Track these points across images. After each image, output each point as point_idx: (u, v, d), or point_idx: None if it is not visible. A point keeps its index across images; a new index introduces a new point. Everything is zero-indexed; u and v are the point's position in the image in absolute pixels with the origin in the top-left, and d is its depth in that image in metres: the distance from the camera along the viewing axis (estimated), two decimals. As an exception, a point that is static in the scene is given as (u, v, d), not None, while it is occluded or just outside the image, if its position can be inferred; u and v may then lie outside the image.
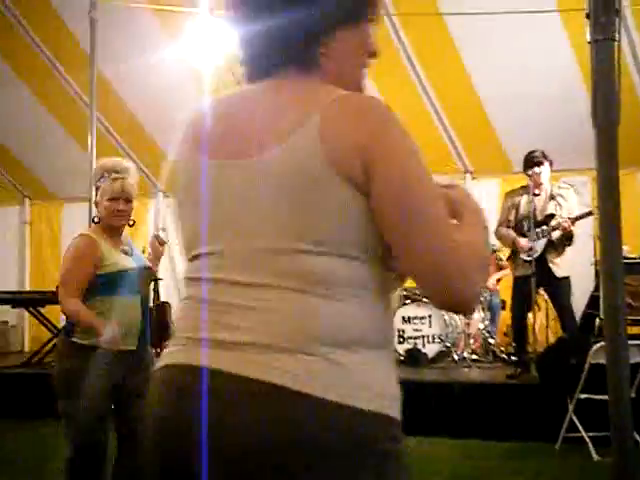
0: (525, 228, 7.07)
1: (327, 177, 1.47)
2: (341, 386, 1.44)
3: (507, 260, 7.66)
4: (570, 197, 7.11)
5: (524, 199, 7.11)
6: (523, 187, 7.18)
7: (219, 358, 1.48)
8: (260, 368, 1.44)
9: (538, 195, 7.05)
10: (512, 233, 7.14)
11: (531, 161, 7.01)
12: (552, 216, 6.98)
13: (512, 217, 7.18)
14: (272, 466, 1.42)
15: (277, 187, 1.50)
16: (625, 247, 4.96)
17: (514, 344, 7.56)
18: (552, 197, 7.06)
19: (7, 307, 9.66)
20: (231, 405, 1.44)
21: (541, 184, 7.06)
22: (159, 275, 10.17)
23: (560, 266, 7.01)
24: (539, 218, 7.03)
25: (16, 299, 9.55)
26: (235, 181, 1.56)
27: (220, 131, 1.63)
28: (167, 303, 10.29)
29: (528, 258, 6.97)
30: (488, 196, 9.41)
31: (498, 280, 8.99)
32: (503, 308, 8.88)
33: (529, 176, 7.02)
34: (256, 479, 1.43)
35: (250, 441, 1.42)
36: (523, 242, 7.04)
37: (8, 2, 8.72)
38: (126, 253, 3.90)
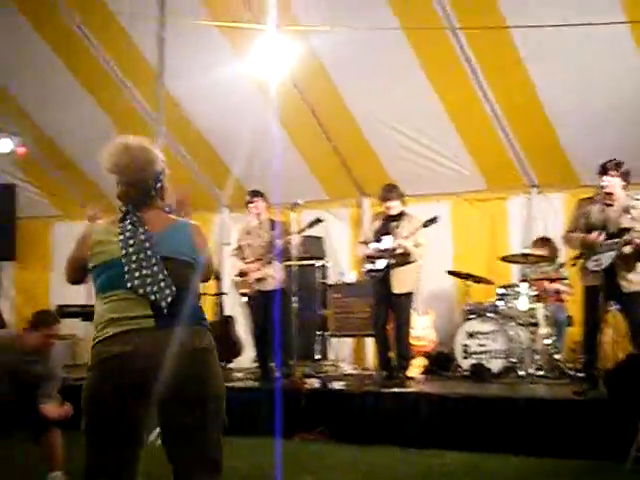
0: (595, 237, 6.89)
1: None
2: None
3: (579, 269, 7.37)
4: None
5: (595, 208, 6.95)
6: (595, 196, 7.02)
7: None
8: None
9: (610, 206, 6.88)
10: (580, 234, 6.96)
11: (601, 170, 6.86)
12: (627, 230, 6.77)
13: (582, 225, 7.01)
14: None
15: None
16: None
17: (582, 359, 7.41)
18: (626, 209, 6.86)
19: (76, 320, 9.83)
20: None
21: (611, 194, 6.87)
22: (223, 290, 10.28)
23: (631, 281, 6.83)
24: (611, 230, 6.84)
25: (84, 312, 9.70)
26: None
27: None
28: (230, 317, 10.40)
29: (595, 268, 6.81)
30: (554, 210, 9.30)
31: (557, 292, 8.78)
32: (569, 324, 8.73)
33: (600, 187, 6.86)
34: None
35: None
36: (593, 235, 6.83)
37: (79, 21, 8.92)
38: None
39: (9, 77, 9.77)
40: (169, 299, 3.20)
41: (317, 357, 9.61)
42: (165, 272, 3.24)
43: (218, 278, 9.89)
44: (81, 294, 11.23)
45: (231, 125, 9.56)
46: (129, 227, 3.31)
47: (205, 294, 9.59)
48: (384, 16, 7.98)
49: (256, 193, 8.53)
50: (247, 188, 9.01)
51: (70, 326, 10.16)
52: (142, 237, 3.28)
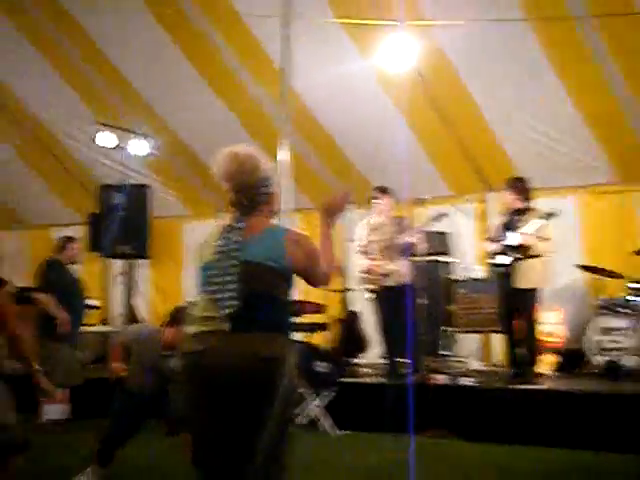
0: None
1: None
2: None
3: None
4: None
5: None
6: None
7: None
8: None
9: None
10: None
11: None
12: None
13: None
14: None
15: None
16: None
17: None
18: None
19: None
20: None
21: None
22: (349, 286, 10.34)
23: None
24: None
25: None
26: None
27: None
28: (356, 313, 10.45)
29: None
30: None
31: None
32: None
33: None
34: None
35: None
36: None
37: (203, 20, 9.11)
38: None
39: (144, 81, 10.09)
40: (233, 309, 3.34)
41: (443, 353, 9.55)
42: (239, 279, 3.37)
43: (343, 275, 9.96)
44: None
45: (355, 122, 9.61)
46: (227, 233, 3.50)
47: (331, 290, 9.69)
48: (510, 7, 7.86)
49: (381, 189, 8.55)
50: (371, 184, 9.03)
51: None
52: (233, 245, 3.44)
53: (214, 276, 3.42)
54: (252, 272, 3.38)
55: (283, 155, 7.64)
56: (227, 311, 3.34)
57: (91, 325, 10.44)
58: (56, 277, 8.30)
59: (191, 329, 3.47)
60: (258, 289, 3.38)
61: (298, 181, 8.80)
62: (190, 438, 3.45)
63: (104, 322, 11.91)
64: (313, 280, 3.57)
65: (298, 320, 9.60)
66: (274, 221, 3.65)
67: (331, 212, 3.71)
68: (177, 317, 5.71)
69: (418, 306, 8.18)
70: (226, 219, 3.59)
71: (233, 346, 3.32)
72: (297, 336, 9.80)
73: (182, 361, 3.50)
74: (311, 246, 3.53)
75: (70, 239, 8.69)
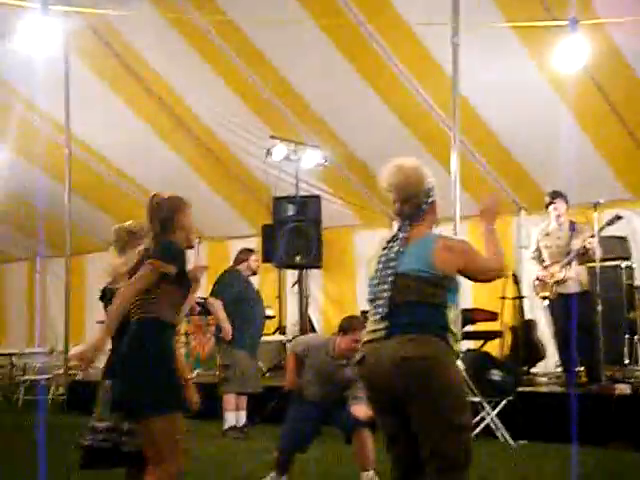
0: None
1: None
2: None
3: None
4: None
5: None
6: None
7: None
8: None
9: None
10: None
11: None
12: None
13: None
14: None
15: None
16: None
17: None
18: None
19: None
20: None
21: None
22: (523, 293, 10.14)
23: None
24: None
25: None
26: None
27: None
28: (532, 321, 10.22)
29: None
30: None
31: None
32: None
33: None
34: None
35: None
36: None
37: (372, 32, 9.18)
38: None
39: (314, 94, 10.28)
40: (385, 317, 3.60)
41: (626, 362, 9.18)
42: (391, 289, 3.62)
43: (517, 282, 9.78)
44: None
45: (526, 126, 9.42)
46: (391, 243, 3.75)
47: (504, 298, 9.52)
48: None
49: (557, 194, 8.32)
50: (543, 190, 8.82)
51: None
52: (392, 255, 3.69)
53: (376, 286, 3.70)
54: (403, 282, 3.62)
55: (454, 162, 7.60)
56: (381, 319, 3.62)
57: (266, 335, 10.69)
58: (236, 287, 8.57)
59: (363, 338, 3.79)
60: (408, 298, 3.60)
61: (467, 188, 8.72)
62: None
63: (279, 331, 12.18)
64: (477, 276, 3.76)
65: (472, 328, 9.49)
66: (434, 230, 3.82)
67: (487, 215, 3.88)
68: (348, 326, 5.77)
69: (597, 313, 7.92)
70: (394, 229, 3.84)
71: (385, 352, 3.56)
72: (470, 344, 9.71)
73: (356, 370, 3.87)
74: (465, 246, 3.73)
75: (250, 251, 8.97)
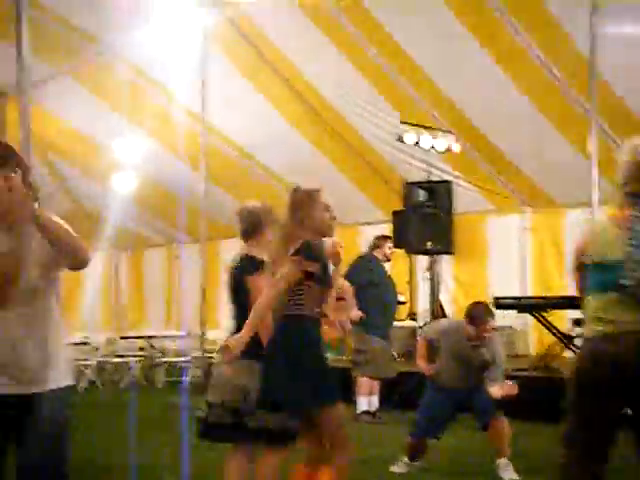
0: None
1: None
2: None
3: None
4: None
5: None
6: None
7: None
8: None
9: None
10: None
11: None
12: None
13: None
14: None
15: None
16: None
17: None
18: None
19: (512, 312, 9.98)
20: None
21: None
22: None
23: None
24: None
25: (520, 304, 9.80)
26: None
27: None
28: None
29: None
30: None
31: None
32: None
33: None
34: None
35: None
36: None
37: (505, 13, 9.00)
38: None
39: (445, 79, 10.20)
40: None
41: None
42: None
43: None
44: (516, 287, 11.42)
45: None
46: (635, 226, 3.39)
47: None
48: None
49: None
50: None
51: (506, 318, 10.32)
52: None
53: (631, 271, 3.34)
54: None
55: (592, 145, 7.41)
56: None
57: (398, 320, 10.69)
58: (370, 272, 8.61)
59: (594, 329, 3.47)
60: None
61: (605, 171, 8.47)
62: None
63: (411, 317, 12.16)
64: None
65: None
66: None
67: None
68: (474, 313, 5.72)
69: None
70: (620, 212, 3.49)
71: None
72: None
73: (588, 361, 3.50)
74: None
75: (385, 237, 9.01)
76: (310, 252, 4.15)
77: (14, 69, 6.06)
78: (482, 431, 5.86)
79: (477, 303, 5.94)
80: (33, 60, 6.17)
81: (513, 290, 10.96)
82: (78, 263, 3.05)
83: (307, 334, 4.19)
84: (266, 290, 4.14)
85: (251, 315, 4.12)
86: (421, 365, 6.04)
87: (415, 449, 5.96)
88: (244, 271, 4.53)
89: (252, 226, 4.66)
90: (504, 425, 5.74)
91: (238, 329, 4.27)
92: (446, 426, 5.96)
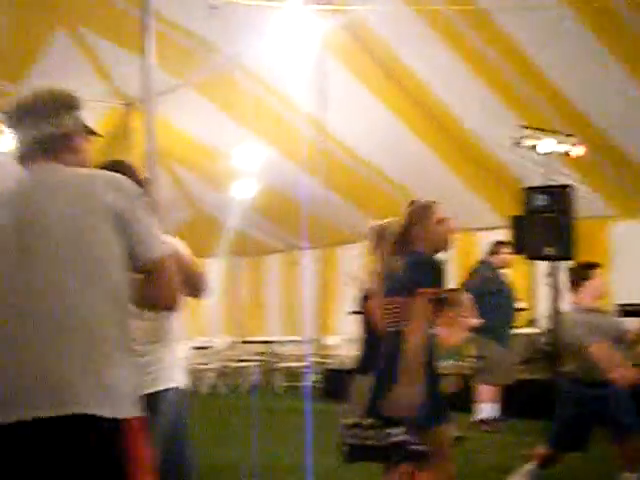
0: None
1: None
2: None
3: None
4: None
5: None
6: None
7: None
8: None
9: None
10: None
11: None
12: None
13: None
14: None
15: None
16: None
17: None
18: None
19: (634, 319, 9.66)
20: None
21: None
22: None
23: None
24: None
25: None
26: None
27: None
28: None
29: None
30: None
31: None
32: None
33: None
34: None
35: None
36: None
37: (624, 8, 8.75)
38: None
39: (565, 80, 9.99)
40: None
41: None
42: None
43: None
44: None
45: None
46: None
47: None
48: None
49: None
50: None
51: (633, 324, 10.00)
52: None
53: None
54: None
55: None
56: None
57: (517, 327, 10.52)
58: (488, 278, 8.52)
59: None
60: None
61: None
62: None
63: (530, 324, 11.94)
64: None
65: None
66: None
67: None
68: None
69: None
70: None
71: None
72: None
73: None
74: None
75: (503, 243, 8.91)
76: (430, 275, 4.08)
77: (139, 80, 6.28)
78: (614, 444, 5.60)
79: None
80: (157, 71, 6.37)
81: (638, 297, 10.66)
82: (197, 293, 3.55)
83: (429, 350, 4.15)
84: (412, 339, 4.00)
85: (405, 367, 4.00)
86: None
87: (548, 458, 5.71)
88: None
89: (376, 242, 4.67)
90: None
91: None
92: (586, 441, 5.66)
